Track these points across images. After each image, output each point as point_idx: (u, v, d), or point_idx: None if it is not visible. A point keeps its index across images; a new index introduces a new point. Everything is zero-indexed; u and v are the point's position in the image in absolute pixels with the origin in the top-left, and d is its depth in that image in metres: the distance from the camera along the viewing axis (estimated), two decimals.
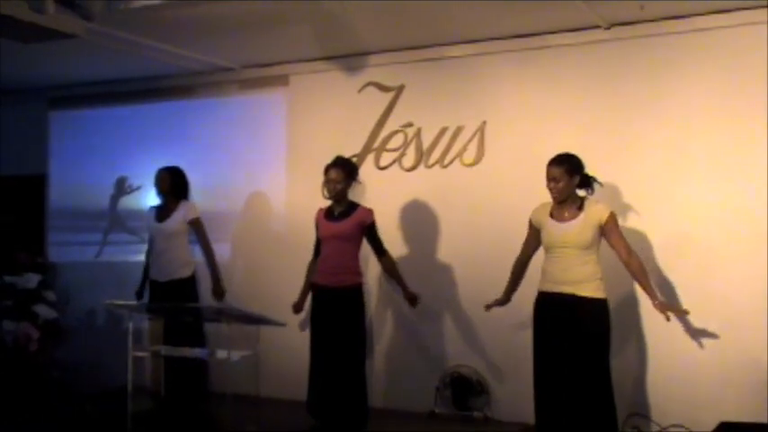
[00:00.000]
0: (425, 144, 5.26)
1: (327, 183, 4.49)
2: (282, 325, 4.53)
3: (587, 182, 3.96)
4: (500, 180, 5.00)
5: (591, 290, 3.82)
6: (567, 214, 3.88)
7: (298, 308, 4.79)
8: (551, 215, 3.93)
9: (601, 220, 3.83)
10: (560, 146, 4.75)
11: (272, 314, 4.74)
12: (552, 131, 4.87)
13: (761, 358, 4.27)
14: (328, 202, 5.17)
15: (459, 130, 5.15)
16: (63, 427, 4.79)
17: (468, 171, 5.11)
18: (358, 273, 4.50)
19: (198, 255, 5.30)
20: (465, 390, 4.97)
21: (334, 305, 4.42)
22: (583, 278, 3.82)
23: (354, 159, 5.40)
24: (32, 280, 5.90)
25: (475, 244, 5.07)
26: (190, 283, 5.18)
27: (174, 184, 5.23)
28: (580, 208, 3.87)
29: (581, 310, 3.80)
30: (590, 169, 4.76)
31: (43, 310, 5.84)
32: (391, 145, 5.36)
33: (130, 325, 4.46)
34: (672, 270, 4.52)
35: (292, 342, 5.47)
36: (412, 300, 4.63)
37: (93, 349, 5.94)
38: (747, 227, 4.35)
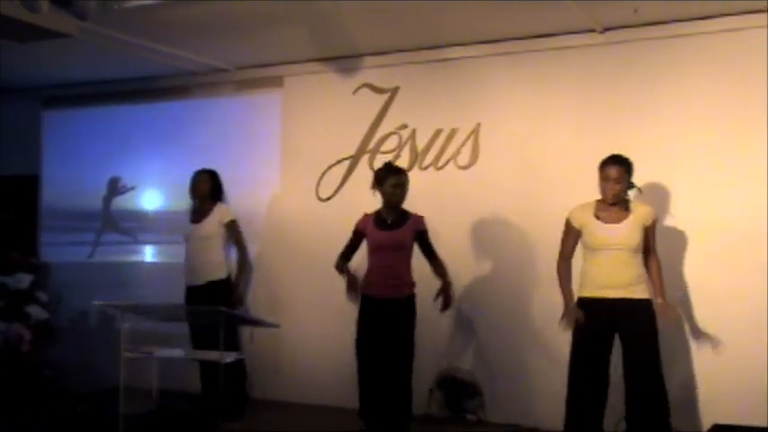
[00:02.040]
0: (420, 146, 5.26)
1: (396, 188, 4.29)
2: (276, 326, 4.53)
3: (632, 186, 3.93)
4: (494, 182, 5.01)
5: (640, 291, 3.78)
6: (614, 215, 3.82)
7: (352, 283, 4.33)
8: (597, 216, 3.85)
9: (647, 222, 3.80)
10: (554, 149, 4.79)
11: (265, 315, 4.76)
12: (546, 134, 4.88)
13: (755, 361, 4.27)
14: (320, 205, 5.16)
15: (453, 133, 5.15)
16: (55, 427, 4.78)
17: (462, 173, 5.12)
18: (413, 282, 4.33)
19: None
20: (458, 392, 4.97)
21: (392, 316, 4.23)
22: (632, 280, 3.77)
23: (348, 161, 5.44)
24: (24, 280, 5.88)
25: (468, 246, 5.07)
26: (225, 284, 5.10)
27: (212, 187, 5.19)
28: (627, 209, 3.82)
29: (634, 313, 3.74)
30: (585, 172, 4.78)
31: (35, 311, 5.82)
32: (386, 147, 5.36)
33: (122, 325, 4.44)
34: (666, 273, 4.52)
35: (285, 343, 5.47)
36: (446, 297, 4.31)
37: (85, 350, 5.93)
38: (744, 230, 4.36)
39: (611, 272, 3.77)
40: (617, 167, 3.81)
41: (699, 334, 4.42)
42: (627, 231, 3.77)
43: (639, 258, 3.83)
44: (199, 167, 5.30)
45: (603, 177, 3.84)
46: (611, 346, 3.82)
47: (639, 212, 3.81)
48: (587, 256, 3.89)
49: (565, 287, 3.97)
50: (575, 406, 3.85)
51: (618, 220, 3.80)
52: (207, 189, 5.17)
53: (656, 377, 3.78)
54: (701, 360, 4.42)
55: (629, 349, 3.78)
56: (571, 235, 3.94)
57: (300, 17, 4.59)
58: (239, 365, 4.95)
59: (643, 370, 3.76)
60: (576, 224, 3.92)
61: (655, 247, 3.91)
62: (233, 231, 5.15)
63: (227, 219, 5.13)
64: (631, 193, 3.98)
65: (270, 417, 5.03)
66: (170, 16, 4.55)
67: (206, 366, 4.85)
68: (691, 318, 4.45)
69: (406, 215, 4.35)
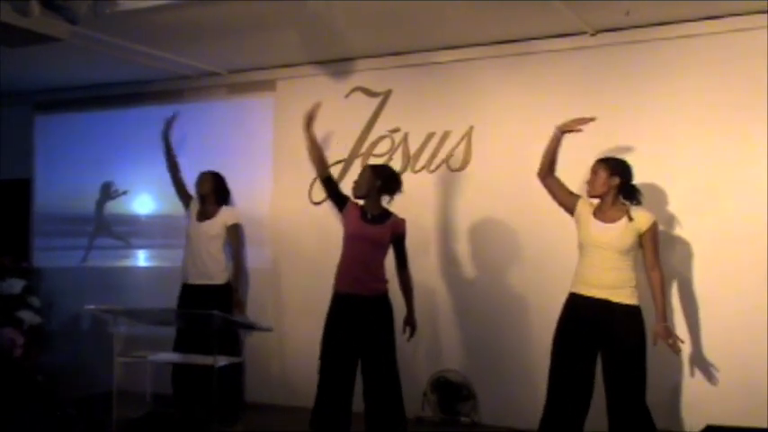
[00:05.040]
0: (412, 149, 5.26)
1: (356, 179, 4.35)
2: (269, 330, 4.52)
3: (634, 192, 3.85)
4: (487, 185, 5.01)
5: (625, 296, 3.72)
6: (609, 216, 3.80)
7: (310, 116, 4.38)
8: (594, 213, 3.83)
9: (642, 228, 3.74)
10: None
11: (257, 319, 4.75)
12: (539, 136, 4.84)
13: (747, 362, 4.30)
14: (313, 208, 5.14)
15: (446, 135, 5.16)
16: None
17: (454, 176, 5.12)
18: (385, 280, 4.21)
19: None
20: (452, 394, 4.97)
21: (364, 315, 4.10)
22: (617, 283, 3.72)
23: (341, 164, 5.44)
24: (17, 285, 5.87)
25: (461, 248, 5.08)
26: (225, 290, 5.10)
27: (215, 188, 5.22)
28: (625, 213, 3.79)
29: (615, 317, 3.70)
30: (577, 174, 4.78)
31: (28, 316, 5.81)
32: (378, 150, 5.37)
33: (115, 330, 4.43)
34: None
35: (280, 347, 5.46)
36: (411, 327, 4.27)
37: (78, 354, 5.91)
38: (734, 230, 4.38)
39: (599, 272, 3.75)
40: (597, 162, 3.88)
41: (689, 337, 4.43)
42: (619, 232, 3.74)
43: (630, 263, 3.76)
44: (190, 171, 5.29)
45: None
46: (596, 346, 3.76)
47: (636, 216, 3.77)
48: (580, 253, 3.88)
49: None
50: (553, 406, 3.81)
51: (612, 221, 3.78)
52: (208, 189, 5.20)
53: (634, 393, 3.69)
54: (695, 361, 4.43)
55: (607, 359, 3.73)
56: (570, 195, 3.96)
57: (292, 21, 4.59)
58: (236, 370, 4.95)
59: (621, 385, 3.69)
60: (578, 207, 3.89)
61: (655, 260, 3.78)
62: (233, 235, 5.16)
63: (230, 222, 5.17)
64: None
65: (265, 420, 5.02)
66: (162, 20, 4.55)
67: (196, 370, 4.83)
68: (679, 321, 4.48)
69: (387, 215, 4.26)
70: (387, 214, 4.25)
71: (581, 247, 3.86)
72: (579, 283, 3.83)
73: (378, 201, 4.24)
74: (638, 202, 3.83)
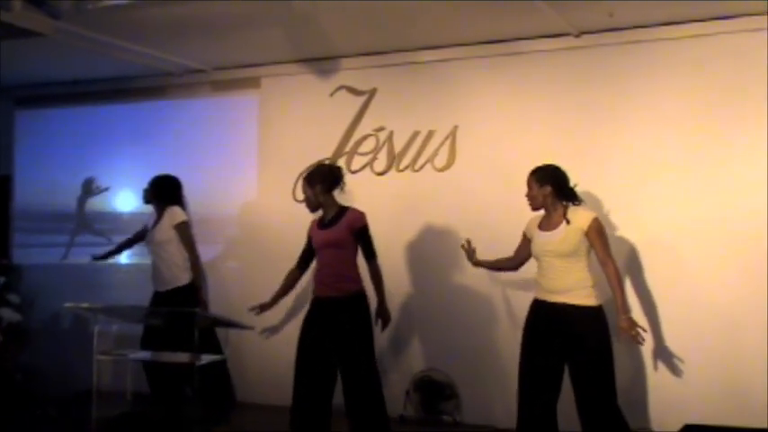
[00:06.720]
0: (397, 148, 5.27)
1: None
2: (251, 328, 4.51)
3: (572, 194, 3.89)
4: (471, 185, 5.03)
5: (582, 297, 3.74)
6: (553, 223, 3.85)
7: (263, 307, 4.53)
8: (539, 226, 3.91)
9: (583, 227, 3.77)
10: (531, 151, 4.81)
11: (241, 318, 4.71)
12: (523, 137, 4.91)
13: (725, 361, 4.34)
14: (297, 206, 5.14)
15: (430, 135, 5.16)
16: (26, 431, 4.71)
17: (439, 175, 5.13)
18: (357, 279, 4.22)
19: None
20: (434, 394, 4.98)
21: (336, 316, 4.13)
22: (571, 286, 3.75)
23: (326, 163, 5.43)
24: None
25: (445, 248, 5.08)
26: (188, 289, 5.02)
27: (153, 194, 5.17)
28: (564, 216, 3.83)
29: (574, 319, 3.72)
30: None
31: (7, 313, 5.74)
32: (363, 149, 5.36)
33: (96, 328, 4.39)
34: (637, 275, 4.57)
35: (265, 346, 5.45)
36: (384, 319, 4.30)
37: (58, 353, 5.86)
38: (717, 231, 4.42)
39: (553, 278, 3.80)
40: (528, 176, 3.92)
41: (667, 336, 4.47)
42: (560, 238, 3.78)
43: (581, 264, 3.78)
44: (174, 168, 5.27)
45: None
46: (560, 348, 3.77)
47: (574, 218, 3.80)
48: (536, 262, 3.95)
49: (493, 261, 4.32)
50: (524, 406, 3.85)
51: (554, 228, 3.83)
52: (149, 197, 5.19)
53: (603, 394, 3.71)
54: (672, 361, 4.47)
55: (573, 362, 3.77)
56: (522, 242, 4.07)
57: (278, 18, 4.58)
58: (219, 368, 4.91)
59: (589, 387, 3.71)
60: (527, 233, 4.00)
61: (606, 255, 3.78)
62: (180, 235, 5.06)
63: (174, 221, 5.07)
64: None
65: (248, 419, 5.01)
66: (145, 16, 4.51)
67: (168, 368, 4.80)
68: (659, 320, 4.51)
69: (343, 213, 4.25)
70: (343, 212, 4.25)
71: (534, 258, 3.94)
72: (538, 289, 3.91)
73: (331, 202, 4.28)
74: (578, 203, 3.87)
